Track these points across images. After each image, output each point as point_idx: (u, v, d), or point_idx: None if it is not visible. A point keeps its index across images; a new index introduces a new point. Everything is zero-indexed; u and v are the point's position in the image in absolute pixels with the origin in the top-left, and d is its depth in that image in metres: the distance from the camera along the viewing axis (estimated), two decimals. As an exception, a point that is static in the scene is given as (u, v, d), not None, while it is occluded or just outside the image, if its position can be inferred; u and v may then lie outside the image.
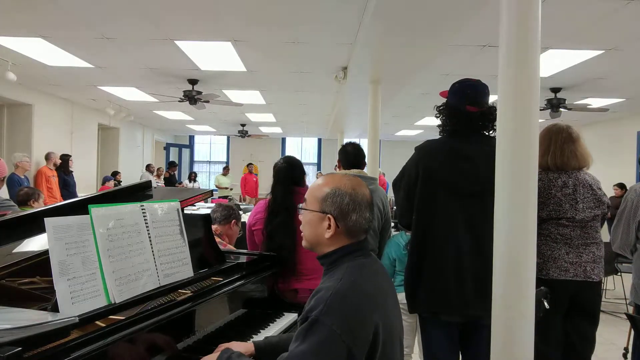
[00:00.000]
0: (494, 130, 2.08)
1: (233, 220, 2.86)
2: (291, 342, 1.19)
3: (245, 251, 2.42)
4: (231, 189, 12.19)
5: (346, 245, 1.31)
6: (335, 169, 8.93)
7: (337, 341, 1.11)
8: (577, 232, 2.21)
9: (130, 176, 10.78)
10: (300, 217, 1.38)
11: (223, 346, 1.50)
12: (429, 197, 2.00)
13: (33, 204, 3.64)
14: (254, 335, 1.80)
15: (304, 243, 1.39)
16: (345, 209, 1.28)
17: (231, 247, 2.79)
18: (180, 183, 12.76)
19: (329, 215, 1.29)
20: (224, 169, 12.91)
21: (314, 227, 1.32)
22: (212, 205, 6.11)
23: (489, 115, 2.05)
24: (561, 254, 2.19)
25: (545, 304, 1.90)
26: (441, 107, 2.14)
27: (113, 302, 1.37)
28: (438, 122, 2.16)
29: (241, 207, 7.48)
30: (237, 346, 1.51)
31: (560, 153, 2.25)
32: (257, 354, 1.51)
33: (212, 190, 2.53)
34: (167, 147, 14.72)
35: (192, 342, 1.56)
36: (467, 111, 2.03)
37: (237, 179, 13.09)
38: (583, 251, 2.20)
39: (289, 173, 2.40)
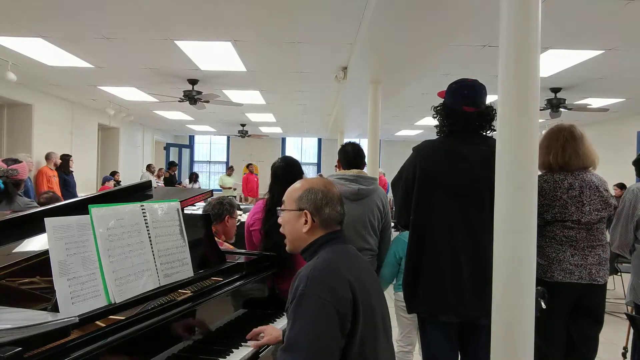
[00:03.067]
0: (492, 130, 2.08)
1: (226, 216, 2.85)
2: (286, 327, 1.28)
3: (245, 251, 2.42)
4: (235, 189, 12.18)
5: (322, 235, 1.44)
6: (335, 169, 8.93)
7: (326, 306, 1.23)
8: (583, 235, 2.18)
9: (130, 176, 10.78)
10: (280, 220, 1.51)
11: (259, 329, 1.68)
12: (426, 197, 2.00)
13: None
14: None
15: (287, 246, 1.52)
16: (319, 204, 1.43)
17: (231, 247, 2.79)
18: (180, 183, 12.75)
19: (305, 211, 1.43)
20: (229, 169, 12.88)
21: (292, 224, 1.47)
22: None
23: (486, 115, 2.04)
24: (566, 256, 2.16)
25: (542, 303, 1.89)
26: (438, 108, 2.14)
27: (113, 302, 1.37)
28: (436, 122, 2.17)
29: (241, 207, 7.49)
30: (270, 330, 1.68)
31: (561, 152, 2.22)
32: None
33: (212, 191, 2.54)
34: (167, 147, 14.71)
35: (192, 342, 1.56)
36: (464, 111, 2.03)
37: (240, 179, 13.08)
38: (589, 253, 2.16)
39: (287, 172, 2.41)
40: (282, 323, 1.97)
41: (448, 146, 2.06)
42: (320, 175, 13.34)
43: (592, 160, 2.25)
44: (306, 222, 1.43)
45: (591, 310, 2.20)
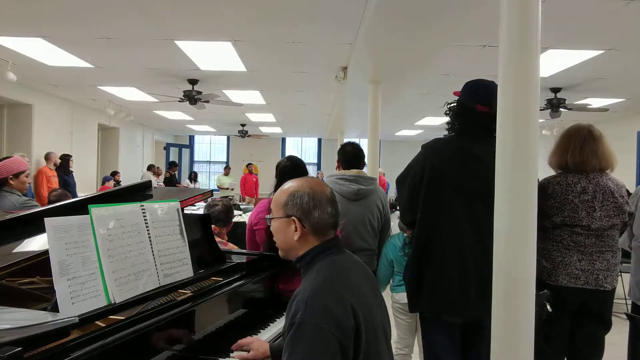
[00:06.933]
0: None
1: (233, 219, 2.87)
2: (282, 354, 1.20)
3: (245, 251, 2.42)
4: (232, 189, 12.18)
5: (317, 245, 1.35)
6: (335, 169, 8.95)
7: (326, 336, 1.14)
8: (592, 240, 2.11)
9: (130, 176, 10.78)
10: (272, 229, 1.42)
11: (245, 341, 1.63)
12: (434, 196, 1.97)
13: None
14: (254, 336, 1.80)
15: (280, 253, 1.44)
16: (307, 208, 1.33)
17: (231, 247, 2.79)
18: (179, 183, 12.75)
19: (293, 218, 1.34)
20: (225, 168, 12.88)
21: (282, 233, 1.38)
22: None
23: (496, 117, 2.02)
24: (572, 260, 2.10)
25: (548, 307, 1.88)
26: (452, 105, 2.12)
27: (113, 302, 1.37)
28: (447, 119, 2.13)
29: (241, 207, 7.49)
30: (258, 344, 1.62)
31: (579, 151, 2.13)
32: (272, 355, 1.59)
33: (212, 190, 2.54)
34: (167, 147, 14.71)
35: (192, 342, 1.56)
36: (477, 110, 1.99)
37: (237, 179, 13.08)
38: (597, 259, 2.10)
39: (292, 172, 2.41)
40: (281, 324, 1.97)
41: (459, 145, 2.02)
42: (320, 173, 13.36)
43: (611, 162, 2.17)
44: (296, 229, 1.33)
45: (598, 315, 2.15)
